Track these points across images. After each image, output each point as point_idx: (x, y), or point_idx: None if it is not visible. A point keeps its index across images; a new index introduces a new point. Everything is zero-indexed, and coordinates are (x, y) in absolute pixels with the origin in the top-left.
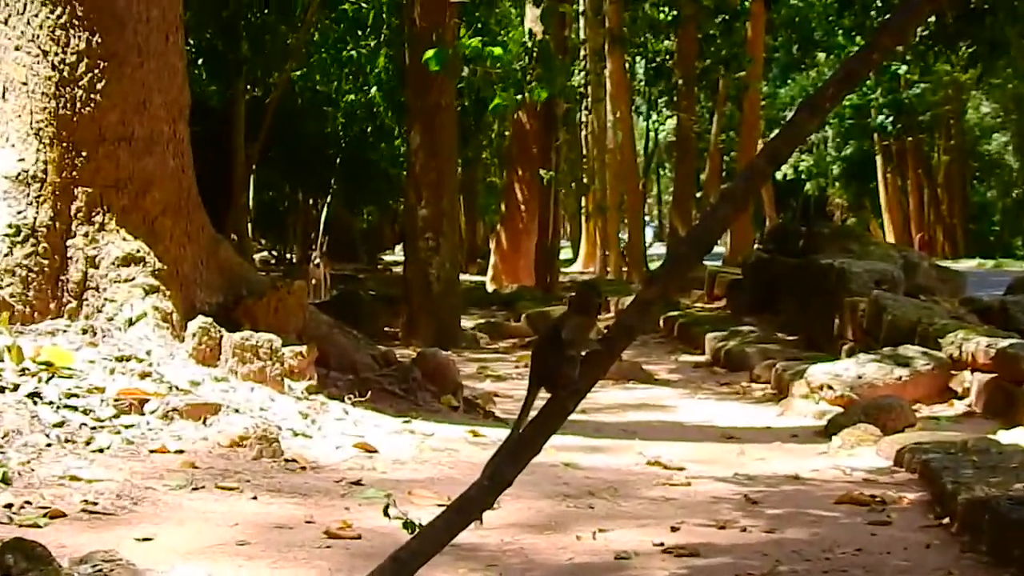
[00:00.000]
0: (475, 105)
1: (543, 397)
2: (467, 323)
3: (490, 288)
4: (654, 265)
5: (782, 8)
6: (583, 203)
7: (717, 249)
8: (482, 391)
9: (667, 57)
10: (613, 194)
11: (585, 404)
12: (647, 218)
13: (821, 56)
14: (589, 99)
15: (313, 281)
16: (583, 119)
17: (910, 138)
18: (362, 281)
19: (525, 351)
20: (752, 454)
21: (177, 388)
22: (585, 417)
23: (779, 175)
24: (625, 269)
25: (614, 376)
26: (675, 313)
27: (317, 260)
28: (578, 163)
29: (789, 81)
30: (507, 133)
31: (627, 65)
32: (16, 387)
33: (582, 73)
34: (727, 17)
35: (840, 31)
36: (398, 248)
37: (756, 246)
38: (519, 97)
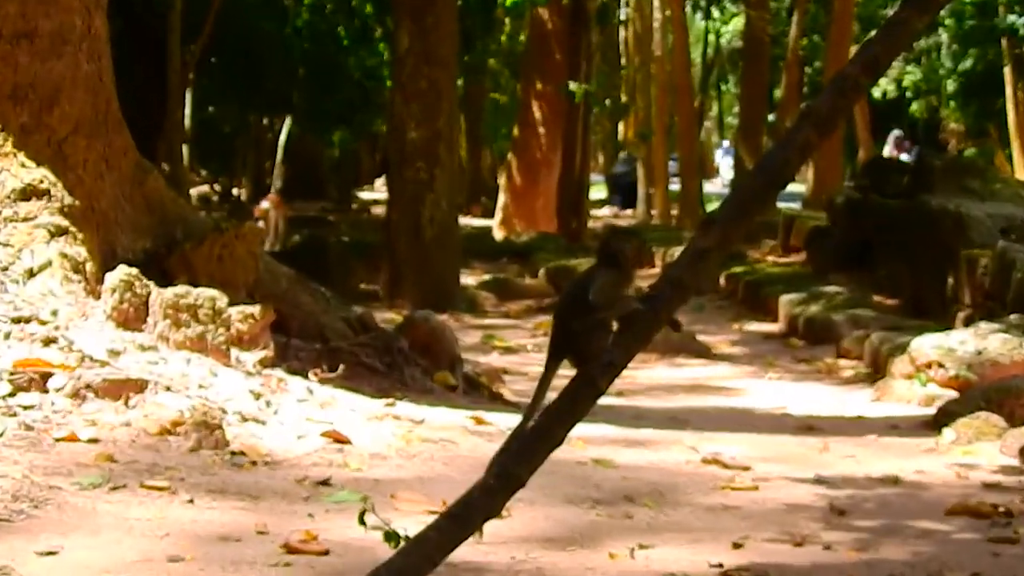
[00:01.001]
0: None
1: (566, 374)
2: (468, 280)
3: (498, 235)
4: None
5: None
6: (620, 127)
7: (795, 187)
8: (487, 366)
9: None
10: (660, 115)
11: (621, 384)
12: (725, 144)
13: None
14: None
15: (259, 223)
16: (623, 17)
17: None
18: (332, 224)
19: (544, 315)
20: (838, 450)
21: (91, 359)
22: (622, 401)
23: (877, 92)
24: (675, 212)
25: (659, 349)
26: (740, 269)
27: (268, 196)
28: (615, 75)
29: None
30: (523, 35)
31: None
32: None
33: None
34: None
35: None
36: (379, 182)
37: (847, 183)
38: None
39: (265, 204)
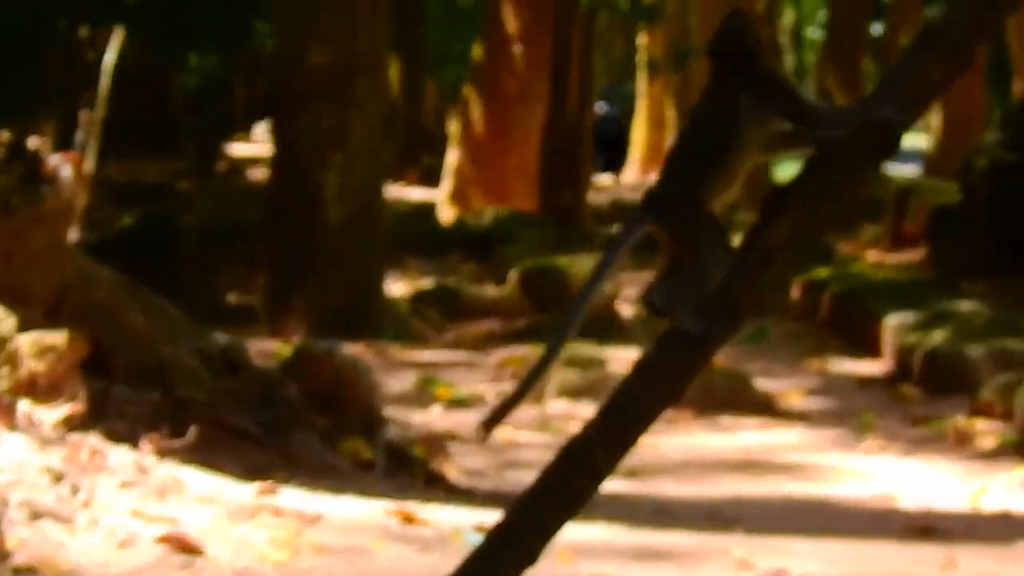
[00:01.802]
0: None
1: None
2: (398, 288)
3: (447, 215)
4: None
5: None
6: (642, 43)
7: (912, 141)
8: (425, 430)
9: None
10: (705, 25)
11: (635, 458)
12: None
13: None
14: None
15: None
16: None
17: None
18: (185, 197)
19: (518, 345)
20: (971, 566)
21: None
22: (635, 486)
23: None
24: None
25: (695, 403)
26: (825, 273)
27: (63, 152)
28: None
29: None
30: None
31: None
32: None
33: None
34: None
35: None
36: (260, 131)
37: (992, 135)
38: None
39: (54, 161)
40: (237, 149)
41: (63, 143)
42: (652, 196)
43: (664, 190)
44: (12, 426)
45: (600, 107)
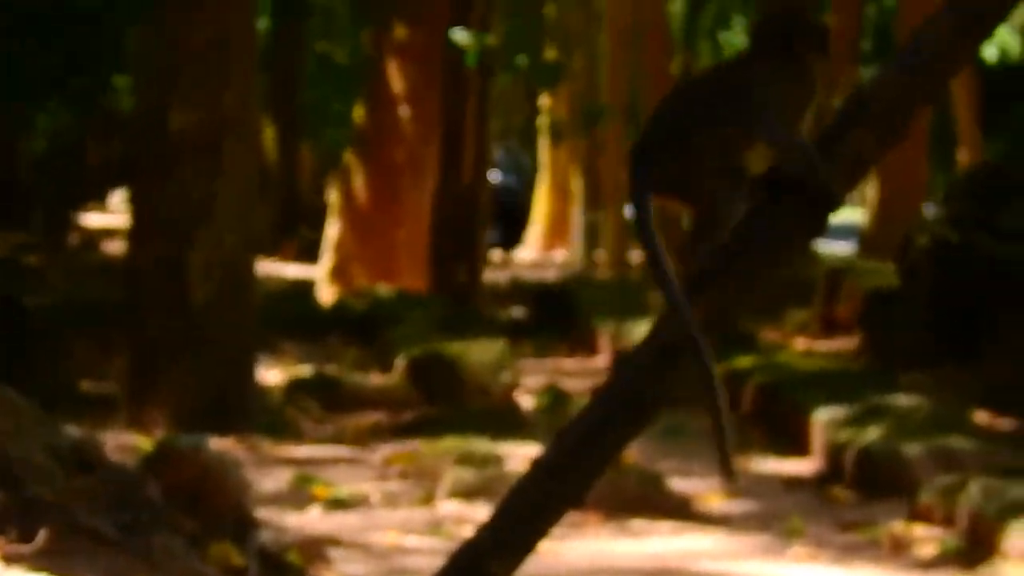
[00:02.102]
0: None
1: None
2: (272, 376)
3: (327, 295)
4: None
5: None
6: (541, 104)
7: (845, 215)
8: (302, 533)
9: None
10: (615, 85)
11: (534, 567)
12: None
13: None
14: None
15: None
16: None
17: None
18: (32, 273)
19: (405, 439)
20: None
21: None
22: None
23: (991, 51)
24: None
25: (604, 505)
26: (747, 362)
27: None
28: (534, 18)
29: None
30: None
31: None
32: None
33: None
34: None
35: None
36: (118, 198)
37: (933, 210)
38: None
39: None
40: (91, 219)
41: None
42: (640, 171)
43: (650, 157)
44: None
45: (496, 176)
